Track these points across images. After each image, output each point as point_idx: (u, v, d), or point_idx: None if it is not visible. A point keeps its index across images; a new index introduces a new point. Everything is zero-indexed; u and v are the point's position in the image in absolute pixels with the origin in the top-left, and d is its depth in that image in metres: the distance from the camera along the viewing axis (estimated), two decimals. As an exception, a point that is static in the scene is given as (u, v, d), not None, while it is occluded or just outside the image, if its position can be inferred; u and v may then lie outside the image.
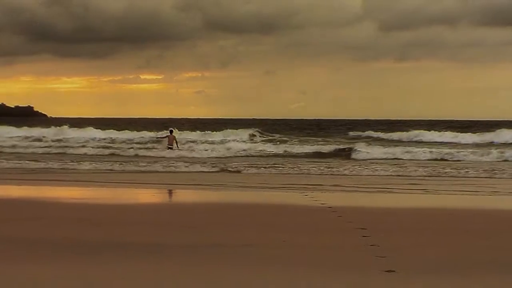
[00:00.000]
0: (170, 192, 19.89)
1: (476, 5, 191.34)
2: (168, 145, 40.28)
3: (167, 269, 8.11)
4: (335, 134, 64.01)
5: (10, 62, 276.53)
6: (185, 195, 19.41)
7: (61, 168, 28.26)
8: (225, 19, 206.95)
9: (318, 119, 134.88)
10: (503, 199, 18.17)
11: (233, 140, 47.71)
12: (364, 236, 10.37)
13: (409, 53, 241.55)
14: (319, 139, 54.04)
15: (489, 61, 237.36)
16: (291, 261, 8.69)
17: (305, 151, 40.51)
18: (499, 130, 53.28)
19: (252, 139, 51.49)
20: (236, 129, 57.07)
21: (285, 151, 40.68)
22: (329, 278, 7.77)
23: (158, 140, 41.87)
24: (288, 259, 8.84)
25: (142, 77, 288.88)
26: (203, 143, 44.73)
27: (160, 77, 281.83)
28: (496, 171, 26.71)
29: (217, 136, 52.43)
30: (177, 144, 40.74)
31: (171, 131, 42.06)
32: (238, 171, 27.35)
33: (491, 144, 46.01)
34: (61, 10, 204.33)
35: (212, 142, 46.04)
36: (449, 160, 34.54)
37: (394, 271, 8.01)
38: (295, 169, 28.10)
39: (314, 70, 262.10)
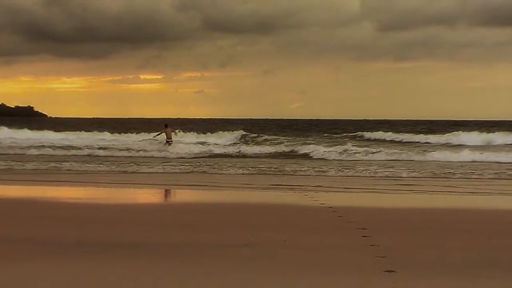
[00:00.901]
0: (169, 192, 19.89)
1: (474, 5, 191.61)
2: (167, 139, 41.06)
3: (167, 269, 8.11)
4: (325, 134, 63.62)
5: (9, 62, 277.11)
6: (184, 195, 19.42)
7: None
8: (224, 19, 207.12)
9: (316, 119, 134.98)
10: (503, 200, 18.17)
11: (213, 143, 47.39)
12: (364, 236, 10.36)
13: (408, 53, 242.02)
14: (310, 139, 53.80)
15: (487, 61, 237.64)
16: (291, 261, 8.68)
17: (279, 151, 40.36)
18: (456, 132, 53.81)
19: (239, 140, 51.44)
20: (231, 130, 57.17)
21: (261, 151, 40.38)
22: (329, 278, 7.77)
23: (156, 139, 42.37)
24: (288, 259, 8.83)
25: (142, 77, 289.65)
26: (187, 144, 44.31)
27: (159, 77, 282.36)
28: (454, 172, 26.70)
29: (200, 137, 51.99)
30: (176, 134, 41.69)
31: (166, 125, 42.72)
32: (205, 172, 27.10)
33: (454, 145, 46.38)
34: (60, 10, 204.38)
35: (191, 143, 45.55)
36: (400, 160, 34.48)
37: (394, 271, 8.01)
38: (261, 169, 28.03)
39: (312, 70, 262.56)
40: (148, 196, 18.71)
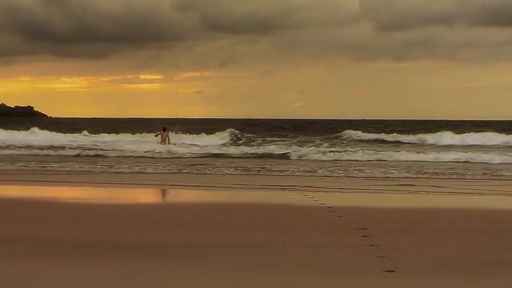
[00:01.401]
0: (169, 192, 19.90)
1: (473, 5, 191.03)
2: (161, 142, 41.85)
3: (167, 269, 8.11)
4: (316, 134, 63.45)
5: (9, 62, 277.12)
6: (184, 195, 19.41)
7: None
8: (223, 19, 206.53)
9: (315, 119, 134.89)
10: (501, 200, 18.18)
11: (201, 143, 47.19)
12: (364, 236, 10.37)
13: (407, 53, 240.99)
14: (303, 139, 53.76)
15: (486, 61, 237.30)
16: (291, 261, 8.69)
17: (265, 152, 40.10)
18: (440, 132, 54.02)
19: (228, 141, 51.46)
20: (224, 130, 57.29)
21: (246, 152, 40.20)
22: (329, 278, 7.77)
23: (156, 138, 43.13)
24: (288, 259, 8.83)
25: (142, 77, 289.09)
26: (176, 145, 43.93)
27: (159, 77, 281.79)
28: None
29: (189, 138, 51.71)
30: (168, 141, 42.26)
31: (164, 129, 43.33)
32: (191, 172, 27.01)
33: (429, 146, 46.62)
34: (59, 10, 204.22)
35: (179, 144, 45.22)
36: (359, 160, 34.42)
37: (394, 271, 8.01)
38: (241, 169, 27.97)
39: (312, 70, 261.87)
40: (147, 196, 18.73)
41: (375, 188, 20.07)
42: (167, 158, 35.69)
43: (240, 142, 50.75)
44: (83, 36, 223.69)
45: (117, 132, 57.95)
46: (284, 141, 51.36)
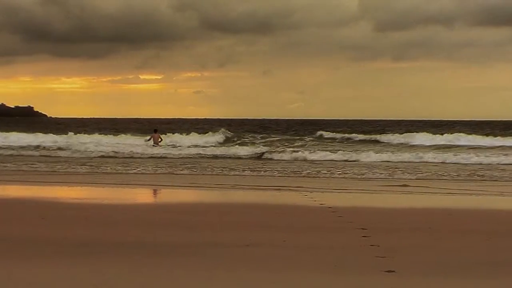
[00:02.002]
0: (169, 192, 19.90)
1: (472, 5, 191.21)
2: (154, 144, 42.06)
3: (167, 269, 8.12)
4: (310, 135, 63.33)
5: (8, 62, 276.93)
6: (184, 195, 19.42)
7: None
8: (222, 19, 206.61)
9: (314, 119, 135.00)
10: (499, 200, 18.19)
11: (191, 144, 47.15)
12: (364, 236, 10.37)
13: (406, 53, 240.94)
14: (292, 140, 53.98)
15: (486, 61, 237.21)
16: (291, 261, 8.69)
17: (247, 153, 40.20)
18: (417, 133, 54.15)
19: (222, 141, 51.56)
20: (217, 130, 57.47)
21: (233, 153, 40.24)
22: (329, 278, 7.77)
23: (149, 142, 43.00)
24: (288, 259, 8.84)
25: (142, 77, 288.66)
26: (164, 147, 43.62)
27: (159, 77, 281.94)
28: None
29: (179, 139, 51.50)
30: (161, 140, 42.53)
31: (155, 130, 43.86)
32: (171, 173, 27.00)
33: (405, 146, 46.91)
34: (59, 10, 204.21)
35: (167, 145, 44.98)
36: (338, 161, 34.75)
37: (394, 271, 8.01)
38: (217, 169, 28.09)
39: (311, 70, 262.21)
40: (143, 196, 18.75)
41: (372, 189, 20.08)
42: (153, 158, 35.85)
43: (231, 142, 50.88)
44: (82, 36, 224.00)
45: (106, 133, 57.58)
46: (277, 140, 51.70)
